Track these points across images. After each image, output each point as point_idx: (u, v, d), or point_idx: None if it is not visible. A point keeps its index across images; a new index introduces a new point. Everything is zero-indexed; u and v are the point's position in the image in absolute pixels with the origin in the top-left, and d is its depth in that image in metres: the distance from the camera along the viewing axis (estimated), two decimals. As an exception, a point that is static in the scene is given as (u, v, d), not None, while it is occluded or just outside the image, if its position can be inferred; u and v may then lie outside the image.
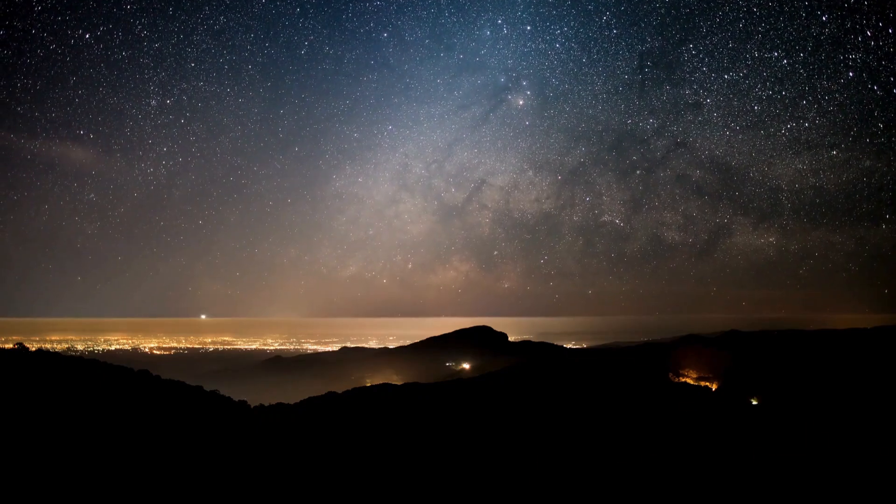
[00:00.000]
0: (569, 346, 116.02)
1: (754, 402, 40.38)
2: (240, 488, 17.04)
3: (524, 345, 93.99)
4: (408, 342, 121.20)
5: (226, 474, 17.76)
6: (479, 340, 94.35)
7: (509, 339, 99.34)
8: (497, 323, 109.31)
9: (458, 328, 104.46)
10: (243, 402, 29.08)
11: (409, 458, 21.98)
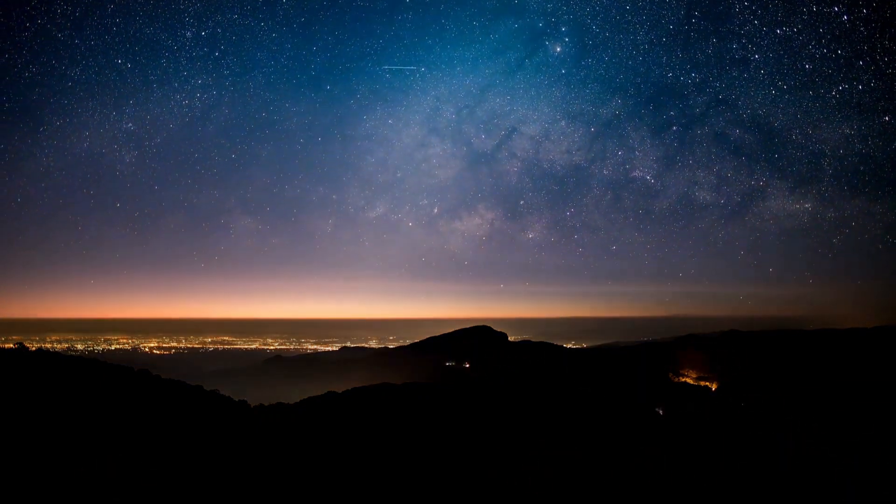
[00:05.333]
0: (569, 346, 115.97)
1: (754, 402, 40.40)
2: (240, 487, 17.04)
3: (524, 345, 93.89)
4: (408, 342, 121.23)
5: (226, 473, 17.76)
6: (479, 340, 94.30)
7: (509, 338, 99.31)
8: (497, 323, 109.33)
9: (458, 328, 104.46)
10: (243, 402, 29.09)
11: (408, 457, 21.98)
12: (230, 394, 30.17)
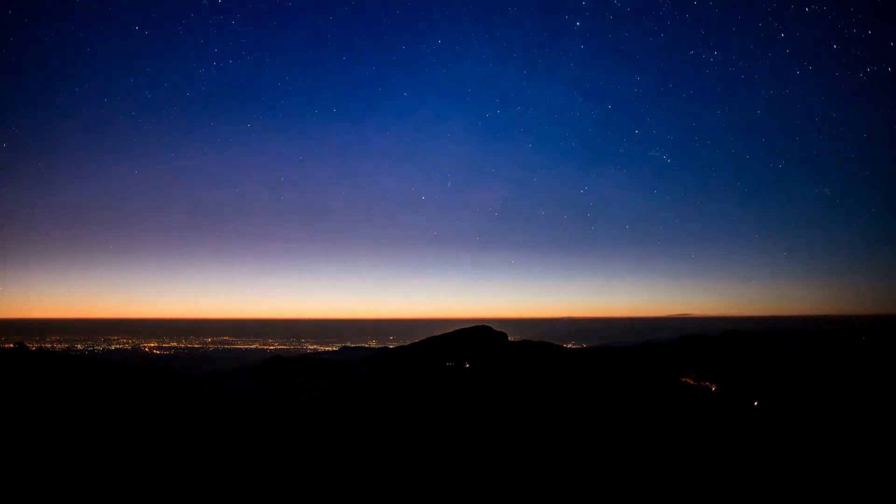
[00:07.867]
0: (569, 346, 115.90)
1: (755, 403, 40.33)
2: (241, 485, 17.01)
3: (524, 345, 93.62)
4: (408, 342, 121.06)
5: (226, 473, 17.72)
6: (478, 340, 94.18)
7: (509, 338, 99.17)
8: (497, 323, 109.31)
9: (458, 328, 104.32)
10: (243, 402, 29.10)
11: (409, 457, 21.93)
12: (230, 394, 30.19)
